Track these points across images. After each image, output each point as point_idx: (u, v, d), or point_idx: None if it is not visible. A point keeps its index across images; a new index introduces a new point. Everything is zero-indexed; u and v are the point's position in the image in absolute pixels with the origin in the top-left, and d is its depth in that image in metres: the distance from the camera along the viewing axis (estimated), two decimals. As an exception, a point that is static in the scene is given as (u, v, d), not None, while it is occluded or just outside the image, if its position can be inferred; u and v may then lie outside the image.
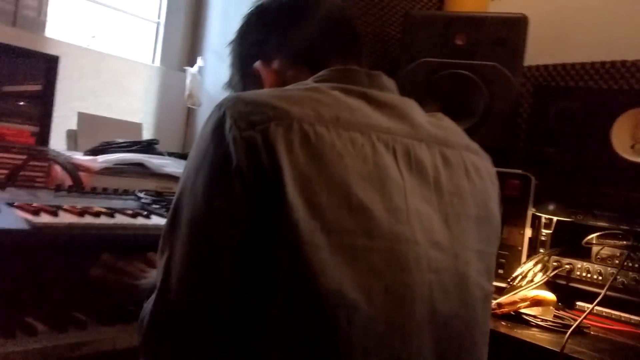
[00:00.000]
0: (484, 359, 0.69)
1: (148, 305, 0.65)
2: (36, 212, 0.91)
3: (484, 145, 1.40)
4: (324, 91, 0.68)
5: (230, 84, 0.95)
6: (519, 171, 1.40)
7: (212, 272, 0.59)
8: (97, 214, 0.98)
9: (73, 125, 1.80)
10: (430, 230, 0.65)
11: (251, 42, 0.88)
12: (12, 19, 1.65)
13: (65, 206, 0.99)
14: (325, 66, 0.76)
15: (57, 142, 1.73)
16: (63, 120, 1.77)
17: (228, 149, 0.58)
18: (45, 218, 0.90)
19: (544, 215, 1.32)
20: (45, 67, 1.55)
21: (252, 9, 0.89)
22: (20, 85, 1.51)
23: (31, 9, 1.68)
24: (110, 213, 1.00)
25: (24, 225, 0.85)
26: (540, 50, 1.65)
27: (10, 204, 0.94)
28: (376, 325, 0.57)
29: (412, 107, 0.74)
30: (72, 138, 1.82)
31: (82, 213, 0.97)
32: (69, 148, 1.78)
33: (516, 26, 1.47)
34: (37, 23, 1.70)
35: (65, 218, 0.93)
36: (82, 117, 1.82)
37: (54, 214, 0.92)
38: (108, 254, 0.92)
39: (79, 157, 1.53)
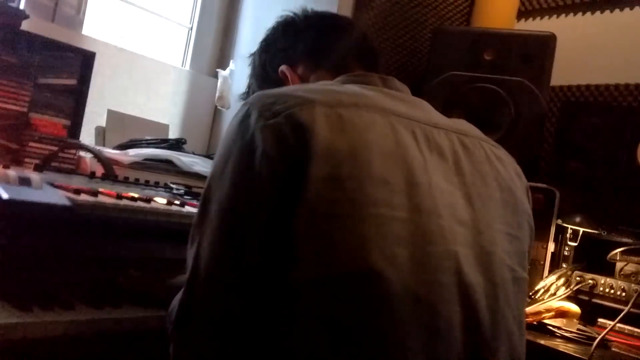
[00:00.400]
0: (518, 341, 0.69)
1: (178, 295, 0.66)
2: (77, 192, 0.93)
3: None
4: (342, 86, 0.74)
5: (246, 95, 1.02)
6: (544, 185, 1.41)
7: (240, 257, 0.60)
8: (133, 199, 1.00)
9: (102, 122, 1.83)
10: (452, 206, 0.66)
11: (278, 48, 0.95)
12: (52, 15, 1.70)
13: (103, 190, 1.02)
14: (344, 68, 0.85)
15: (86, 138, 1.76)
16: (93, 117, 1.80)
17: (254, 138, 0.61)
18: (86, 197, 0.92)
19: (570, 227, 1.32)
20: (81, 62, 1.59)
21: (279, 20, 0.99)
22: (57, 78, 1.55)
23: (70, 6, 1.73)
24: (147, 199, 1.02)
25: (67, 202, 0.86)
26: (566, 71, 1.68)
27: (51, 184, 0.96)
28: (403, 294, 0.58)
29: (426, 104, 0.78)
30: (101, 134, 1.86)
31: (119, 197, 0.99)
32: (97, 144, 1.82)
33: (545, 44, 1.50)
34: (76, 21, 1.76)
35: (104, 199, 0.95)
36: (112, 115, 1.86)
37: (94, 194, 0.94)
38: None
39: (109, 150, 1.56)
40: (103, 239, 0.95)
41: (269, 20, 1.01)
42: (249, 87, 1.02)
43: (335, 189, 0.58)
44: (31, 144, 1.45)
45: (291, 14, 0.97)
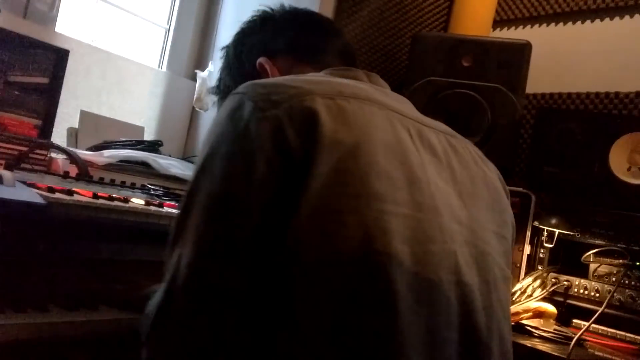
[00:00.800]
0: (508, 341, 0.69)
1: (155, 298, 0.62)
2: (51, 190, 0.89)
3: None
4: (334, 78, 0.71)
5: (218, 89, 0.98)
6: (520, 189, 1.44)
7: (228, 255, 0.57)
8: (110, 198, 0.97)
9: (74, 123, 1.78)
10: (450, 205, 0.66)
11: (254, 41, 0.92)
12: (24, 11, 1.65)
13: (78, 190, 0.98)
14: (325, 64, 0.83)
15: (57, 139, 1.70)
16: (65, 118, 1.75)
17: (249, 130, 0.57)
18: (60, 196, 0.89)
19: (545, 228, 1.35)
20: (54, 60, 1.55)
21: (257, 13, 0.96)
22: (28, 76, 1.51)
23: (43, 2, 1.68)
24: (124, 199, 0.99)
25: (40, 200, 0.83)
26: (541, 79, 1.72)
27: (24, 182, 0.93)
28: (404, 291, 0.57)
29: (410, 103, 0.78)
30: (73, 136, 1.80)
31: (95, 196, 0.96)
32: (69, 145, 1.76)
33: (520, 51, 1.54)
34: (48, 17, 1.70)
35: (80, 198, 0.91)
36: (85, 116, 1.81)
37: (69, 193, 0.91)
38: None
39: (82, 152, 1.51)
40: (77, 239, 0.92)
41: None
42: (219, 80, 0.98)
43: (340, 183, 0.56)
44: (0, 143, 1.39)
45: (269, 9, 0.95)
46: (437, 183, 0.65)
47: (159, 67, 2.08)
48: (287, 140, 0.56)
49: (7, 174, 0.88)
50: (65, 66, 1.58)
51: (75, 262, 0.91)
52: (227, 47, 0.98)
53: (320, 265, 0.55)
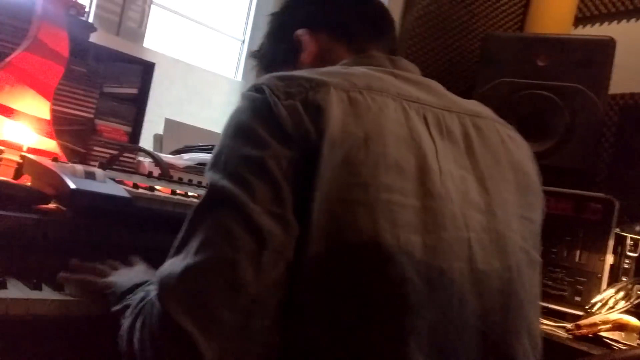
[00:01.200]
0: (534, 324, 0.67)
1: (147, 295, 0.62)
2: (135, 186, 0.98)
3: (564, 166, 1.37)
4: (353, 68, 0.72)
5: (258, 53, 0.97)
6: (602, 194, 1.35)
7: (241, 239, 0.55)
8: (186, 195, 1.04)
9: (160, 130, 1.93)
10: (464, 191, 0.65)
11: (298, 12, 0.90)
12: (117, 29, 1.82)
13: (158, 187, 1.07)
14: (361, 48, 0.82)
15: (144, 145, 1.85)
16: (151, 125, 1.90)
17: (270, 109, 0.59)
18: (143, 191, 0.97)
19: (630, 236, 1.26)
20: (142, 73, 1.69)
21: None
22: (120, 87, 1.65)
23: (133, 20, 1.85)
24: (198, 196, 1.06)
25: (126, 194, 0.92)
26: (625, 78, 1.61)
27: (113, 179, 1.02)
28: (415, 280, 0.57)
29: (438, 85, 0.77)
30: (158, 141, 1.95)
31: (174, 193, 1.03)
32: (155, 150, 1.91)
33: (603, 49, 1.45)
34: (137, 34, 1.87)
35: (159, 194, 1.00)
36: (169, 123, 1.96)
37: (151, 189, 1.00)
38: (76, 260, 0.85)
39: (165, 155, 1.64)
40: (157, 230, 1.00)
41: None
42: (261, 45, 0.97)
43: (349, 174, 0.58)
44: (96, 148, 1.54)
45: None
46: (452, 171, 0.65)
47: (234, 77, 2.20)
48: (304, 127, 0.58)
49: (99, 171, 0.98)
50: (151, 78, 1.71)
51: (155, 251, 0.99)
52: (274, 14, 0.96)
53: (329, 254, 0.55)
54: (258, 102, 0.60)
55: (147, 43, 1.89)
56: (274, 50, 0.92)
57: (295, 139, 0.58)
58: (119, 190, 0.92)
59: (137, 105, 1.69)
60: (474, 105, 0.76)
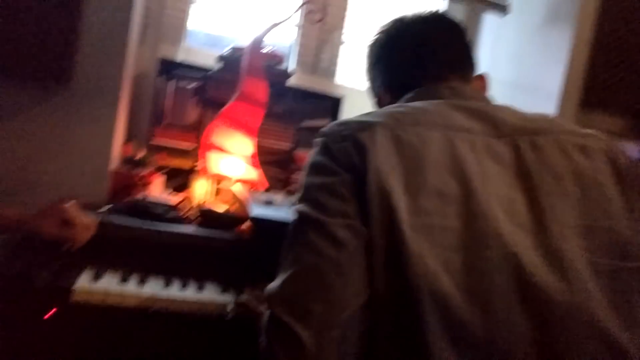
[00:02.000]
0: (615, 333, 0.62)
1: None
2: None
3: None
4: (406, 105, 0.80)
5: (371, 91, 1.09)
6: None
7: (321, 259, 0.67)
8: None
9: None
10: (512, 211, 0.68)
11: (372, 76, 1.02)
12: (313, 69, 2.09)
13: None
14: (418, 84, 0.89)
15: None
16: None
17: (329, 152, 0.73)
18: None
19: None
20: (331, 106, 1.91)
21: (379, 34, 1.00)
22: (313, 120, 1.90)
23: (326, 61, 2.10)
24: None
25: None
26: None
27: (290, 205, 1.22)
28: (458, 298, 0.61)
29: (499, 109, 0.79)
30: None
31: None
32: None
33: None
34: (329, 72, 2.11)
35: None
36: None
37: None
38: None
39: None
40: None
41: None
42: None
43: (392, 200, 0.66)
44: (294, 173, 1.81)
45: (381, 33, 0.99)
46: (499, 192, 0.70)
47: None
48: (353, 161, 0.70)
49: (278, 197, 1.19)
50: (339, 110, 1.92)
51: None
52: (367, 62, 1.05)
53: (387, 266, 0.64)
54: (322, 145, 0.76)
55: (337, 79, 2.11)
56: (371, 98, 1.06)
57: (349, 169, 0.71)
58: (287, 215, 1.11)
59: (327, 135, 1.92)
60: (539, 121, 0.79)
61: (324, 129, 0.80)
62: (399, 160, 0.70)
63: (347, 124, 0.77)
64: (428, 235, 0.65)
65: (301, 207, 0.73)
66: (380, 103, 1.00)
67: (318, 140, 0.78)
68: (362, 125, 0.74)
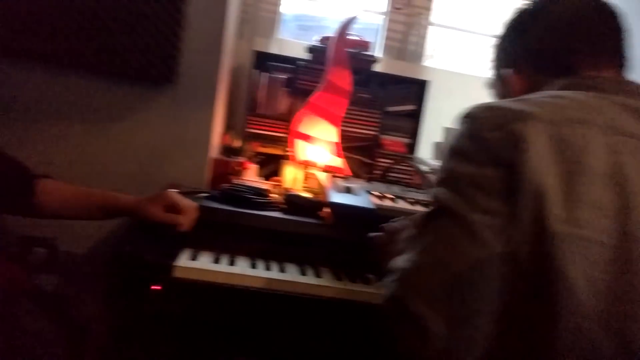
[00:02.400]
0: None
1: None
2: (381, 198, 1.20)
3: None
4: (565, 96, 0.69)
5: (490, 85, 0.96)
6: None
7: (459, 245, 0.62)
8: (427, 205, 1.19)
9: (439, 138, 2.10)
10: None
11: (505, 49, 0.87)
12: (400, 54, 2.09)
13: (407, 197, 1.25)
14: (573, 70, 0.76)
15: (426, 152, 2.06)
16: (431, 134, 2.09)
17: (478, 139, 0.65)
18: (388, 203, 1.18)
19: None
20: (418, 90, 1.90)
21: (513, 13, 0.87)
22: (399, 105, 1.91)
23: (413, 44, 2.08)
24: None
25: (371, 205, 1.14)
26: None
27: (368, 192, 1.27)
28: (594, 319, 0.57)
29: None
30: (438, 149, 2.13)
31: (415, 202, 1.20)
32: (435, 157, 2.09)
33: None
34: (417, 55, 2.09)
35: (400, 205, 1.18)
36: (447, 132, 2.10)
37: (393, 200, 1.19)
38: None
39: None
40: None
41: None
42: (491, 77, 0.96)
43: (545, 205, 0.60)
44: (379, 159, 1.84)
45: (518, 8, 0.86)
46: None
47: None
48: (507, 152, 0.62)
49: (355, 186, 1.24)
50: (426, 94, 1.90)
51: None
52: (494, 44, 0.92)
53: (523, 270, 0.60)
54: (469, 130, 0.67)
55: (426, 61, 2.09)
56: (493, 81, 0.94)
57: (500, 162, 0.63)
58: (366, 202, 1.15)
59: (414, 119, 1.92)
60: None
61: (472, 110, 0.70)
62: (557, 160, 0.62)
63: (501, 109, 0.67)
64: (578, 249, 0.59)
65: (442, 194, 0.66)
66: (505, 86, 0.86)
67: (465, 122, 0.69)
68: (519, 115, 0.65)
